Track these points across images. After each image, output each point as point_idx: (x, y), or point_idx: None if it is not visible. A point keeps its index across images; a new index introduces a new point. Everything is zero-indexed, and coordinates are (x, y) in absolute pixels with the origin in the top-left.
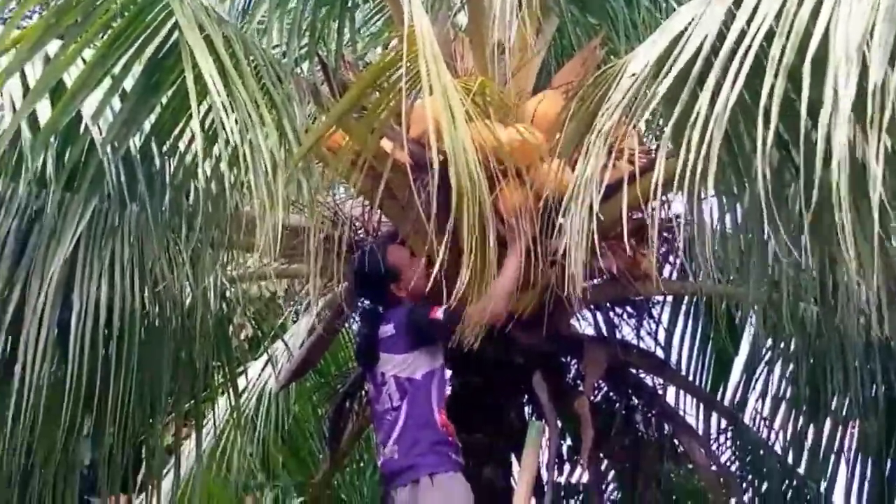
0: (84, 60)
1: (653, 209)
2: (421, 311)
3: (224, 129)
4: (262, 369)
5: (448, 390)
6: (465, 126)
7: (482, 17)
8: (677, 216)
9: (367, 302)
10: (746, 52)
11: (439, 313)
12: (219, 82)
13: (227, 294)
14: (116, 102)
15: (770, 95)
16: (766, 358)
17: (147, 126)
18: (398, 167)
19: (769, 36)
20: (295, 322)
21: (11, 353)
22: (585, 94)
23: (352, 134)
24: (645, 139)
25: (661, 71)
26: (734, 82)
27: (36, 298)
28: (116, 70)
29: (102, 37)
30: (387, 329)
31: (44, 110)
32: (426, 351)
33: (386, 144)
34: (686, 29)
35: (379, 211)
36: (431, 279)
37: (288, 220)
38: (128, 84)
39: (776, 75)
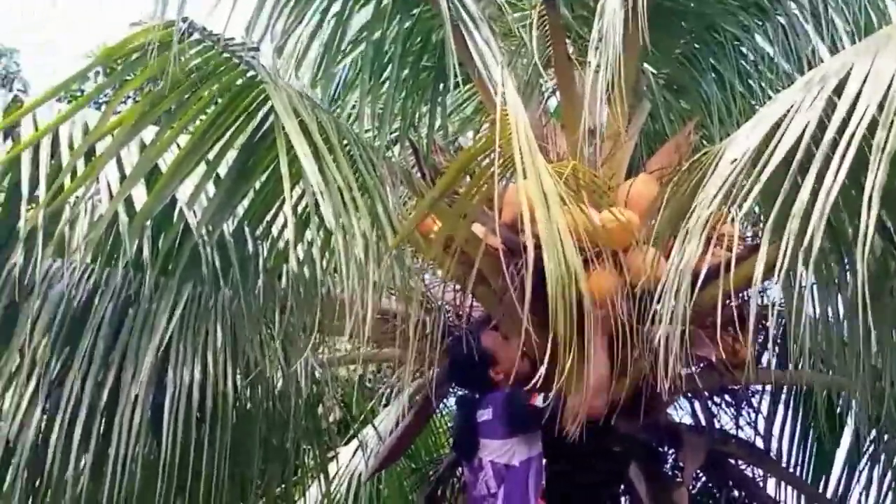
0: (179, 146)
1: (749, 297)
2: (520, 397)
3: (317, 213)
4: (353, 455)
5: (544, 478)
6: (559, 209)
7: (574, 101)
8: (776, 304)
9: (462, 389)
10: (850, 140)
11: (538, 400)
12: (313, 166)
13: (318, 377)
14: (211, 187)
15: (873, 184)
16: (870, 450)
17: (241, 210)
18: (490, 252)
19: (872, 125)
20: (385, 407)
21: (106, 437)
22: (681, 179)
23: (444, 219)
24: (742, 226)
25: (761, 158)
26: (837, 171)
27: (130, 381)
28: (211, 155)
29: (198, 122)
30: (484, 413)
31: (140, 195)
32: (524, 438)
33: (478, 229)
34: (786, 116)
35: (471, 296)
36: (527, 361)
37: (380, 304)
38: (222, 169)
39: (879, 164)
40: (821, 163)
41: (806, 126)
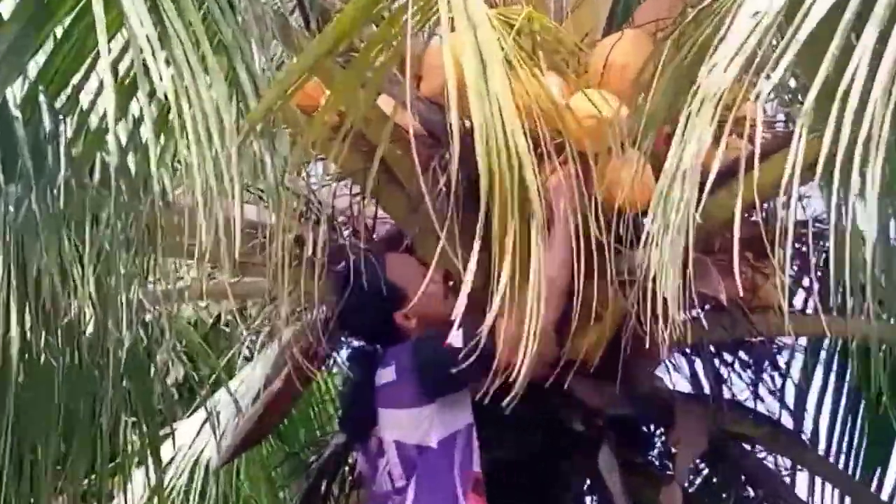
0: None
1: (782, 208)
2: (432, 343)
3: (148, 76)
4: (198, 432)
5: (477, 464)
6: (504, 79)
7: None
8: (818, 220)
9: (357, 337)
10: None
11: (457, 338)
12: (142, 6)
13: (148, 320)
14: None
15: None
16: None
17: (33, 69)
18: (403, 138)
19: None
20: (248, 362)
21: None
22: (684, 35)
23: (335, 88)
24: (770, 107)
25: (800, 9)
26: None
27: None
28: None
29: None
30: (386, 373)
31: None
32: (444, 404)
33: (385, 104)
34: None
35: (374, 202)
36: (450, 299)
37: (241, 212)
38: (5, 7)
39: None
40: (885, 15)
41: None
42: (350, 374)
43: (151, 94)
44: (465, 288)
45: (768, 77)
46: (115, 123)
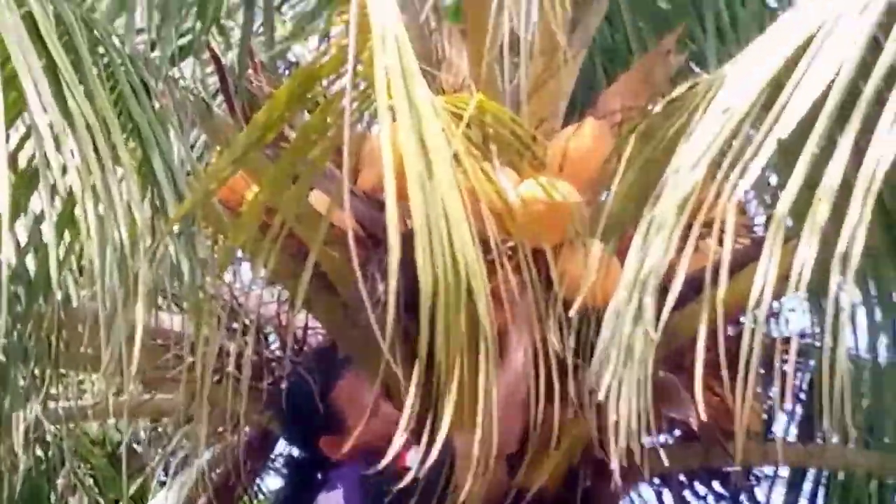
0: None
1: (756, 322)
2: (386, 476)
3: (48, 167)
4: None
5: None
6: (450, 175)
7: None
8: (801, 336)
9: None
10: None
11: (410, 458)
12: (45, 88)
13: (48, 436)
14: None
15: None
16: None
17: None
18: (338, 240)
19: None
20: (162, 488)
21: None
22: (652, 129)
23: (263, 182)
24: (746, 209)
25: (775, 103)
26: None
27: None
28: None
29: None
30: (333, 499)
31: None
32: None
33: (319, 201)
34: (813, 38)
35: (305, 311)
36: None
37: (155, 320)
38: None
39: None
40: (869, 111)
41: (845, 56)
42: (288, 485)
43: (52, 187)
44: (407, 411)
45: (742, 176)
46: (12, 221)
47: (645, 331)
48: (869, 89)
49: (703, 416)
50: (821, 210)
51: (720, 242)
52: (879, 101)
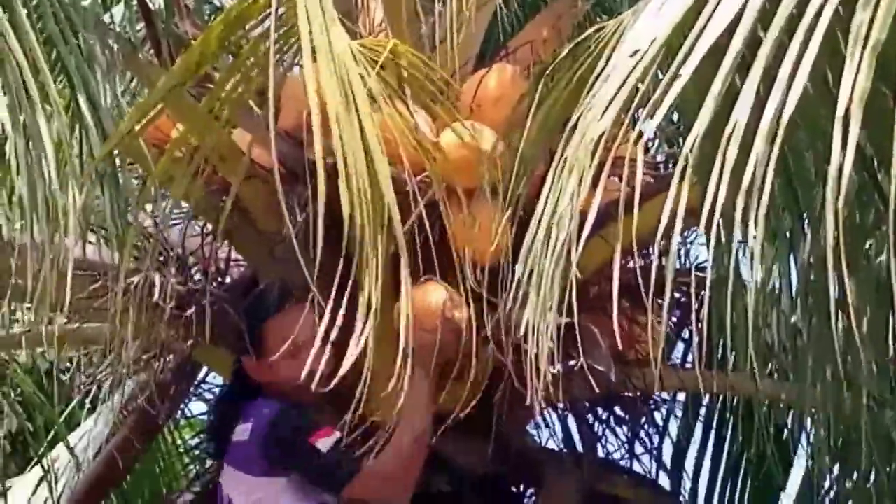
0: None
1: (659, 255)
2: (296, 425)
3: None
4: (34, 491)
5: None
6: (369, 113)
7: None
8: (699, 267)
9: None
10: (813, 25)
11: (326, 441)
12: None
13: None
14: None
15: (851, 93)
16: (832, 492)
17: None
18: (259, 175)
19: (847, 1)
20: (90, 414)
21: None
22: (560, 71)
23: (188, 121)
24: (651, 145)
25: (682, 48)
26: (794, 69)
27: None
28: None
29: None
30: (242, 431)
31: None
32: (293, 484)
33: (240, 138)
34: None
35: (227, 243)
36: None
37: (84, 252)
38: None
39: (860, 62)
40: (769, 56)
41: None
42: (212, 412)
43: None
44: (323, 348)
45: (651, 117)
46: None
47: (564, 266)
48: (769, 39)
49: (619, 345)
50: (731, 150)
51: (622, 180)
52: (780, 48)
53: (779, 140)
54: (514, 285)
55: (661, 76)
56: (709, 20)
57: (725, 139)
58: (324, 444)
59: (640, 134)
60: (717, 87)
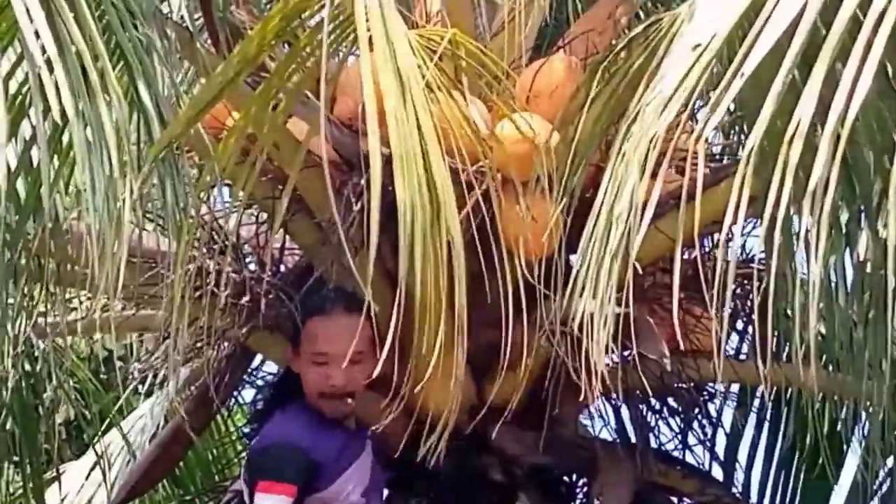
0: None
1: (717, 248)
2: (256, 461)
3: (42, 91)
4: (87, 476)
5: None
6: (425, 102)
7: None
8: (755, 261)
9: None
10: (880, 19)
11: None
12: (39, 15)
13: (36, 353)
14: None
15: None
16: (884, 486)
17: None
18: (316, 165)
19: None
20: (146, 400)
21: None
22: (615, 63)
23: (244, 110)
24: (710, 139)
25: (743, 43)
26: (860, 67)
27: None
28: None
29: None
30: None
31: None
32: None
33: (297, 128)
34: None
35: (283, 232)
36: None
37: (140, 241)
38: None
39: None
40: (834, 52)
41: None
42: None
43: (45, 111)
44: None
45: (712, 113)
46: (4, 143)
47: (622, 257)
48: (833, 33)
49: (680, 343)
50: (794, 148)
51: (680, 171)
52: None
53: (843, 142)
54: (568, 277)
55: (720, 70)
56: (770, 16)
57: (788, 138)
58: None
59: (701, 130)
60: (777, 85)
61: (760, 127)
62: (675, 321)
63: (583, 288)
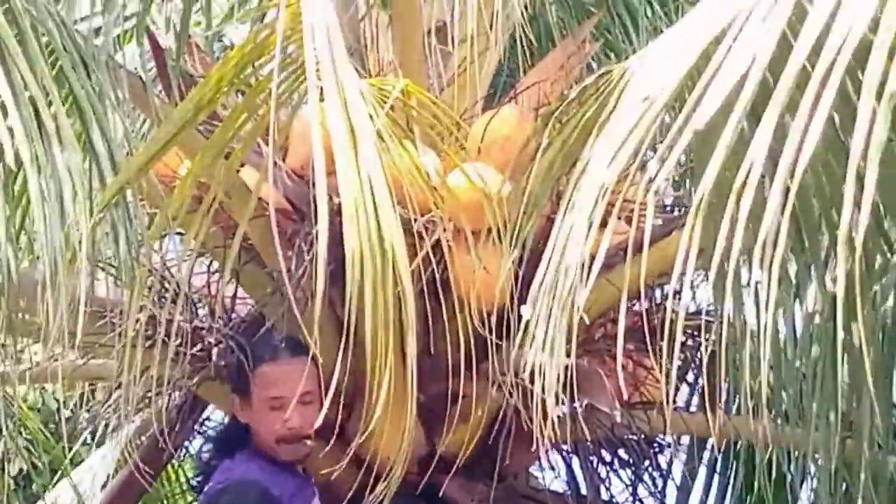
0: None
1: (665, 299)
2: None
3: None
4: None
5: None
6: (375, 151)
7: None
8: (703, 312)
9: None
10: (827, 74)
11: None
12: None
13: None
14: None
15: (867, 140)
16: None
17: None
18: (266, 213)
19: (861, 49)
20: (95, 450)
21: None
22: (568, 113)
23: (196, 158)
24: (661, 190)
25: (691, 97)
26: (809, 118)
27: None
28: None
29: None
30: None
31: None
32: None
33: (249, 177)
34: (727, 32)
35: (234, 280)
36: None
37: (92, 288)
38: None
39: (873, 113)
40: (782, 107)
41: (757, 50)
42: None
43: None
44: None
45: (662, 164)
46: None
47: (571, 309)
48: (782, 86)
49: (624, 393)
50: (745, 197)
51: (629, 222)
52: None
53: (792, 194)
54: (518, 327)
55: (670, 120)
56: (719, 68)
57: (737, 189)
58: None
59: (651, 180)
60: (726, 137)
61: (709, 178)
62: (620, 373)
63: (533, 339)
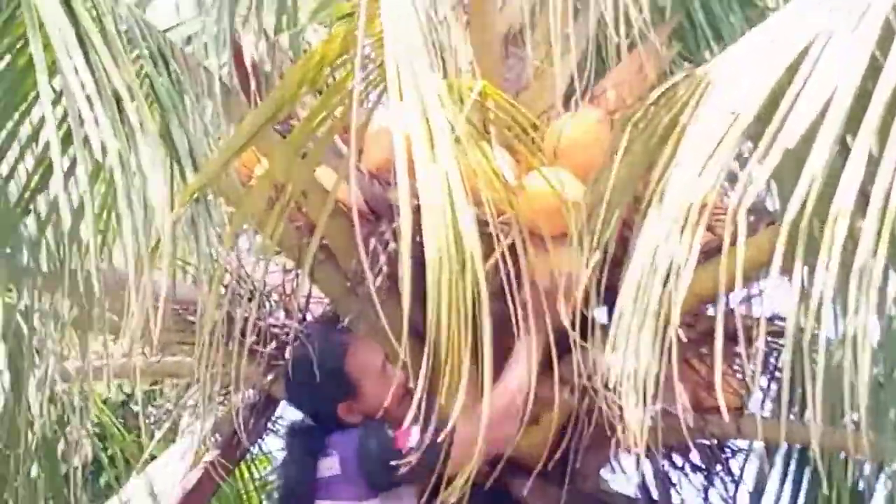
0: None
1: (738, 303)
2: (381, 437)
3: (81, 124)
4: None
5: None
6: (453, 153)
7: None
8: (776, 319)
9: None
10: None
11: (410, 439)
12: (80, 61)
13: (59, 392)
14: None
15: None
16: None
17: None
18: (343, 214)
19: None
20: (171, 445)
21: None
22: (646, 118)
23: (273, 157)
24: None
25: (777, 112)
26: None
27: None
28: None
29: None
30: (328, 463)
31: None
32: (387, 499)
33: (326, 177)
34: (813, 44)
35: (309, 280)
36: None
37: (174, 287)
38: None
39: None
40: (872, 133)
41: (848, 69)
42: (289, 452)
43: (84, 151)
44: (418, 393)
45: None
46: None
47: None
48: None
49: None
50: (839, 226)
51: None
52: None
53: (888, 223)
54: (593, 331)
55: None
56: (806, 84)
57: (832, 217)
58: (409, 443)
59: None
60: (814, 163)
61: (796, 202)
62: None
63: (617, 343)
